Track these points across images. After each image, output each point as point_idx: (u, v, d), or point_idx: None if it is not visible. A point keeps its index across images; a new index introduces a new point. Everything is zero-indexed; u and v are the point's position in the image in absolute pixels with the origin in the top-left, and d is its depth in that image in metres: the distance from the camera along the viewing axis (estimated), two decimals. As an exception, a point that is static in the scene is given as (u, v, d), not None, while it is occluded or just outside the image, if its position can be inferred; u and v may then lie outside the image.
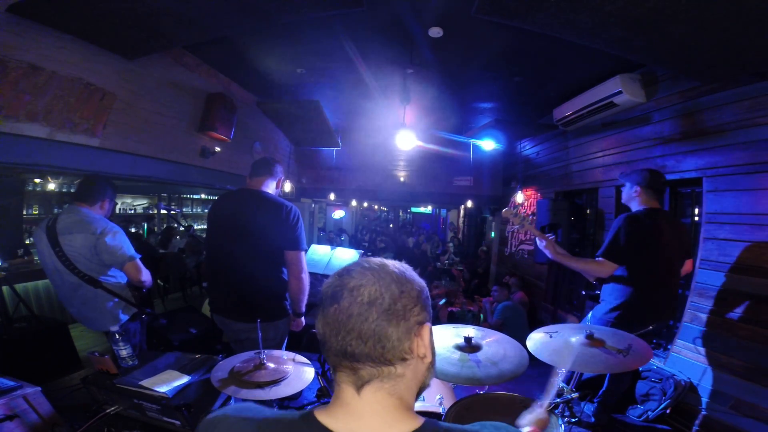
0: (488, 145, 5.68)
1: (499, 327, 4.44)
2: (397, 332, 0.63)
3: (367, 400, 0.64)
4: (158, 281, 5.99)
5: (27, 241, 5.04)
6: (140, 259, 2.42)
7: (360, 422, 0.63)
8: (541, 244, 2.65)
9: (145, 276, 2.42)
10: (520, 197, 6.28)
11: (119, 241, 2.32)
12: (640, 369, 3.05)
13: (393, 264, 0.70)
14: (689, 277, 2.92)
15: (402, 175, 7.76)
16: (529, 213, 2.40)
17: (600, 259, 2.40)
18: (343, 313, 0.63)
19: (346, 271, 0.68)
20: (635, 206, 2.54)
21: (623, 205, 2.70)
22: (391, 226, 17.75)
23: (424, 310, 0.68)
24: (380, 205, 17.19)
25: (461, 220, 11.96)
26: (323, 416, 0.64)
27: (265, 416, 0.67)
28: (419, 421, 0.65)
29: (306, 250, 2.33)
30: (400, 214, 19.16)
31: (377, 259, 0.70)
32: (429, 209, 16.90)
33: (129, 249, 2.36)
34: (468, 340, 1.80)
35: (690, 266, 2.71)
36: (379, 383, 0.64)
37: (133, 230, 7.39)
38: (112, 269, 2.37)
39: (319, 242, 8.54)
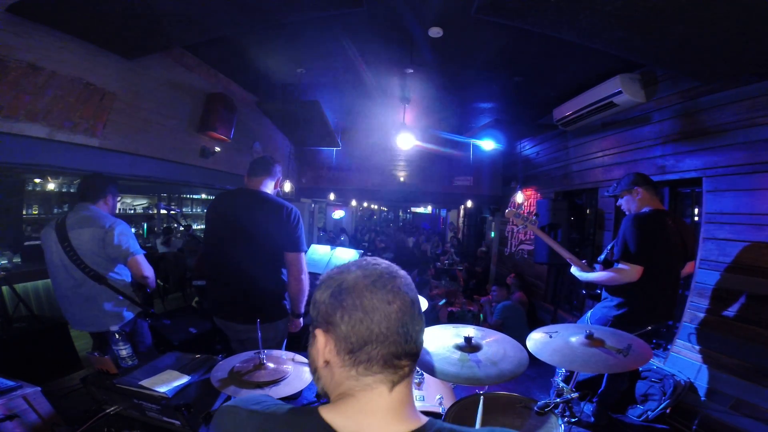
0: (488, 145, 5.68)
1: (498, 327, 4.44)
2: None
3: (394, 397, 0.65)
4: (158, 281, 5.99)
5: (26, 242, 5.04)
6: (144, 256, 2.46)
7: (373, 419, 0.63)
8: (575, 268, 2.71)
9: (148, 272, 2.45)
10: (520, 197, 6.28)
11: (126, 235, 2.37)
12: (640, 369, 3.05)
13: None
14: (689, 277, 2.93)
15: (402, 175, 7.76)
16: (533, 213, 2.39)
17: (625, 266, 2.36)
18: (407, 313, 0.65)
19: (387, 267, 0.69)
20: (640, 209, 2.52)
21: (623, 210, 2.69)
22: (390, 225, 17.75)
23: None
24: (378, 205, 17.19)
25: (461, 220, 11.96)
26: (329, 413, 0.64)
27: (271, 410, 0.67)
28: (423, 420, 0.66)
29: (306, 251, 2.32)
30: (400, 214, 19.16)
31: (389, 263, 0.73)
32: (429, 209, 16.91)
33: (134, 244, 2.41)
34: (468, 340, 1.80)
35: (691, 268, 2.70)
36: (408, 378, 0.67)
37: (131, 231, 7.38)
38: (118, 266, 2.41)
39: (318, 242, 8.54)
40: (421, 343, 0.68)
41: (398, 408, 0.65)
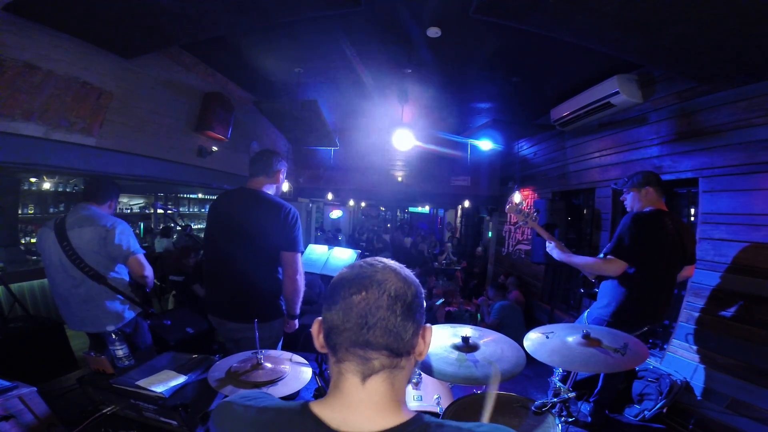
0: (486, 145, 5.69)
1: (496, 327, 4.44)
2: (412, 328, 0.68)
3: (369, 390, 0.66)
4: (156, 281, 5.97)
5: (22, 240, 5.02)
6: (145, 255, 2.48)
7: (355, 413, 0.66)
8: (550, 245, 2.68)
9: (148, 271, 2.45)
10: (517, 197, 6.29)
11: (127, 234, 2.38)
12: (637, 368, 3.06)
13: (405, 267, 0.74)
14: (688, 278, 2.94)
15: (400, 175, 7.76)
16: (533, 210, 2.42)
17: (610, 257, 2.39)
18: (371, 303, 0.65)
19: (369, 265, 0.71)
20: (642, 209, 2.51)
21: (621, 208, 2.69)
22: (388, 225, 17.74)
23: (425, 313, 0.73)
24: (377, 205, 17.17)
25: (458, 220, 11.97)
26: (318, 407, 0.68)
27: (265, 405, 0.71)
28: (410, 414, 0.68)
29: (303, 252, 2.32)
30: (398, 213, 19.15)
31: (392, 261, 0.74)
32: (426, 209, 16.91)
33: (134, 243, 2.41)
34: (465, 339, 1.80)
35: (691, 272, 2.70)
36: (386, 373, 0.67)
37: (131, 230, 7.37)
38: (118, 265, 2.41)
39: (316, 242, 8.53)
40: (397, 336, 0.66)
41: (379, 403, 0.67)
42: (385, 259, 0.74)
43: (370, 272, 0.69)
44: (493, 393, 1.15)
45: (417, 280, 0.73)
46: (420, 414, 0.68)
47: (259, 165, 2.32)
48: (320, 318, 0.72)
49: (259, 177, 2.31)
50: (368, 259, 0.74)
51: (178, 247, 5.95)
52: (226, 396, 1.70)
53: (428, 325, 0.74)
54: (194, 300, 4.29)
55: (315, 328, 0.73)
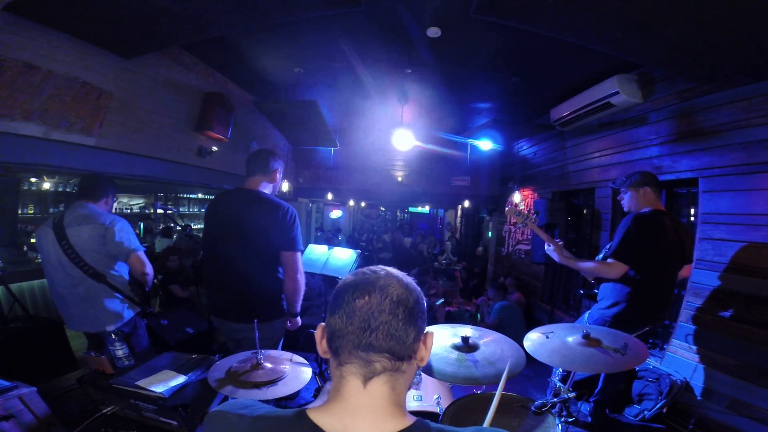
0: (486, 145, 5.69)
1: (496, 327, 4.44)
2: (414, 332, 0.69)
3: (371, 393, 0.67)
4: (155, 280, 5.98)
5: (30, 240, 5.02)
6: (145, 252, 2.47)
7: (356, 417, 0.66)
8: (549, 248, 2.66)
9: (149, 268, 2.44)
10: (517, 197, 6.29)
11: (126, 232, 2.36)
12: (637, 368, 3.06)
13: (407, 276, 0.76)
14: (686, 279, 2.94)
15: (400, 175, 7.76)
16: (533, 212, 2.41)
17: (611, 260, 2.38)
18: (375, 307, 0.67)
19: (372, 271, 0.73)
20: (640, 209, 2.51)
21: (621, 207, 2.69)
22: (388, 225, 17.73)
23: (426, 320, 0.75)
24: (379, 205, 17.18)
25: (458, 220, 11.96)
26: (316, 414, 0.67)
27: (259, 414, 0.70)
28: (410, 420, 0.68)
29: (302, 251, 2.31)
30: (398, 213, 19.15)
31: (394, 269, 0.76)
32: (426, 209, 16.90)
33: (135, 241, 2.40)
34: (465, 339, 1.81)
35: (688, 271, 2.70)
36: (387, 376, 0.67)
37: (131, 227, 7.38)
38: (117, 263, 2.39)
39: (316, 242, 8.53)
40: (399, 340, 0.67)
41: (381, 407, 0.67)
42: (388, 268, 0.75)
43: (373, 278, 0.70)
44: (499, 392, 1.16)
45: (419, 288, 0.75)
46: (421, 420, 0.68)
47: (256, 164, 2.31)
48: (323, 324, 0.73)
49: (256, 176, 2.31)
50: (372, 267, 0.75)
51: (164, 248, 5.98)
52: (226, 396, 1.70)
53: (430, 331, 0.75)
54: (173, 300, 4.32)
55: (318, 333, 0.74)
